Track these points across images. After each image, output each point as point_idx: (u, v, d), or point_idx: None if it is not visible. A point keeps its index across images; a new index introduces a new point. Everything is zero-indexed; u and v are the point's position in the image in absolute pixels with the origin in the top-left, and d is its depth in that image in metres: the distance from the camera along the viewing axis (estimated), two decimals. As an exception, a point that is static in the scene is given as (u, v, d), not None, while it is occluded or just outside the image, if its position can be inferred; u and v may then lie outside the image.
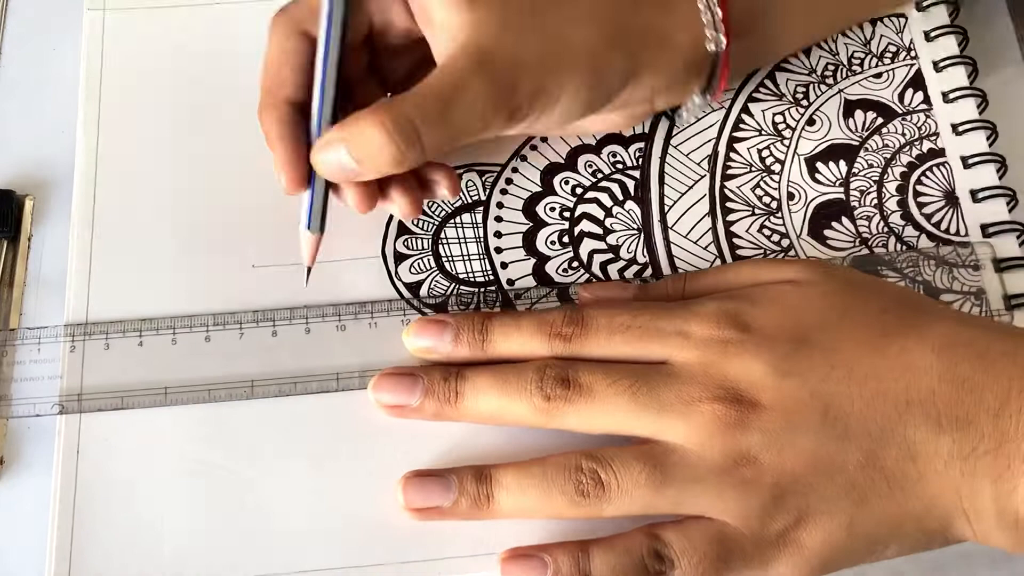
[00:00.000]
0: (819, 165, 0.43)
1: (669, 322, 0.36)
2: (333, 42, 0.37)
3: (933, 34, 0.45)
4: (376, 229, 0.42)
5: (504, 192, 0.43)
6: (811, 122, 0.44)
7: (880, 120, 0.44)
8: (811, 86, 0.44)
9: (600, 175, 0.43)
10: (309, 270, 0.40)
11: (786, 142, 0.43)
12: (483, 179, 0.43)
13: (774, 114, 0.44)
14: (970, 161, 0.43)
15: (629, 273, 0.42)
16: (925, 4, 0.45)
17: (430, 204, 0.43)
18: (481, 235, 0.42)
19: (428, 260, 0.42)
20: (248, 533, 0.38)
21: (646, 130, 0.44)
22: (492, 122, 0.36)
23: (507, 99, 0.35)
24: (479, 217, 0.43)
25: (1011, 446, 0.32)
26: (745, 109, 0.44)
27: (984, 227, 0.42)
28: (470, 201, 0.43)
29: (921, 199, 0.42)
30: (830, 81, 0.44)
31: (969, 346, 0.34)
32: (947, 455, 0.33)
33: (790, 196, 0.43)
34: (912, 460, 0.33)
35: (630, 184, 0.43)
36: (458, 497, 0.36)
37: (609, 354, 0.37)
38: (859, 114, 0.44)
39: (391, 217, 0.42)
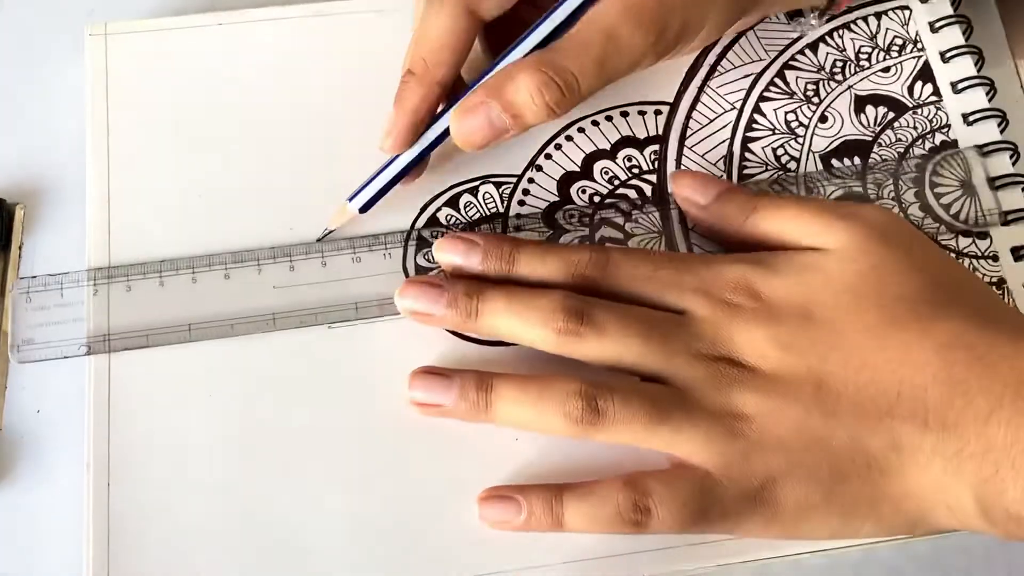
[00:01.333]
0: (834, 161, 0.43)
1: (690, 278, 0.38)
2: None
3: (937, 25, 0.45)
4: (396, 247, 0.42)
5: (522, 203, 0.43)
6: (823, 119, 0.44)
7: (891, 115, 0.44)
8: (820, 83, 0.45)
9: (617, 181, 0.43)
10: (328, 232, 0.42)
11: (800, 140, 0.44)
12: (500, 191, 0.43)
13: (786, 113, 0.44)
14: (983, 150, 0.43)
15: (652, 277, 0.41)
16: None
17: (448, 218, 0.43)
18: (501, 246, 0.42)
19: (450, 274, 0.42)
20: (279, 551, 0.37)
21: (659, 132, 0.44)
22: (640, 63, 0.38)
23: (656, 41, 0.37)
24: (498, 229, 0.42)
25: (998, 454, 0.33)
26: (757, 109, 0.44)
27: (1002, 215, 0.42)
28: (488, 214, 0.43)
29: (938, 190, 0.43)
30: (839, 77, 0.45)
31: (970, 349, 0.34)
32: (930, 452, 0.34)
33: (808, 192, 0.43)
34: (896, 451, 0.34)
35: (647, 188, 0.43)
36: (458, 399, 0.37)
37: (630, 298, 0.38)
38: (870, 109, 0.44)
39: (410, 233, 0.42)
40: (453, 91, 0.40)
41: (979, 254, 0.42)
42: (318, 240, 0.42)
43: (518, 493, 0.37)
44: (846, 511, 0.35)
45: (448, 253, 0.39)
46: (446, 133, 0.40)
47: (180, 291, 0.41)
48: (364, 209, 0.41)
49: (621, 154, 0.44)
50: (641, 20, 0.37)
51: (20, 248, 0.42)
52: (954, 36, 0.45)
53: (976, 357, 0.34)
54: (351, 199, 0.41)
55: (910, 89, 0.44)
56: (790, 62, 0.45)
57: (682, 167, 0.43)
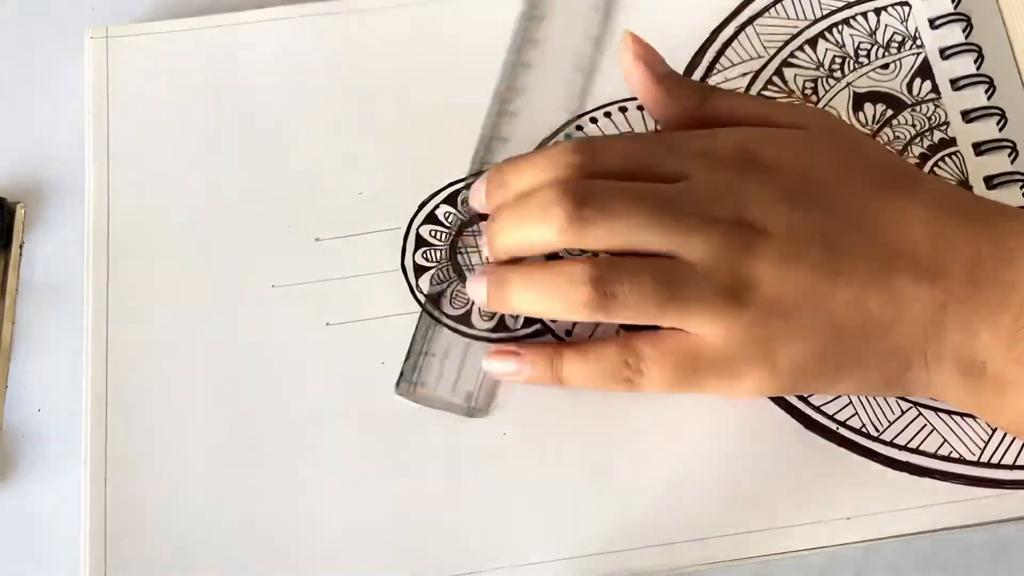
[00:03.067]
0: (833, 159, 0.43)
1: (687, 144, 0.38)
2: None
3: (937, 22, 0.45)
4: (395, 243, 0.42)
5: (520, 199, 0.43)
6: (822, 116, 0.44)
7: (890, 112, 0.44)
8: (819, 80, 0.45)
9: (615, 178, 0.43)
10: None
11: (798, 137, 0.44)
12: (498, 188, 0.43)
13: (785, 110, 0.44)
14: (982, 148, 0.43)
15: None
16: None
17: (446, 215, 0.43)
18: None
19: (447, 270, 0.42)
20: (275, 549, 0.38)
21: (658, 128, 0.44)
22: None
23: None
24: (496, 226, 0.43)
25: (978, 296, 0.35)
26: (755, 106, 0.44)
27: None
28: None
29: (936, 188, 0.43)
30: (838, 74, 0.45)
31: (956, 205, 0.37)
32: (923, 301, 0.35)
33: (806, 191, 0.43)
34: (893, 304, 0.35)
35: (645, 186, 0.43)
36: (480, 296, 0.38)
37: (629, 167, 0.37)
38: (868, 107, 0.44)
39: (408, 231, 0.42)
40: None
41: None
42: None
43: (522, 349, 0.39)
44: (835, 368, 0.36)
45: (474, 198, 0.40)
46: None
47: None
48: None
49: (620, 152, 0.44)
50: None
51: (20, 247, 0.43)
52: (954, 33, 0.45)
53: (960, 211, 0.36)
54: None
55: (909, 86, 0.44)
56: (789, 59, 0.45)
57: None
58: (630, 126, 0.44)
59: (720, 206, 0.36)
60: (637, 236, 0.36)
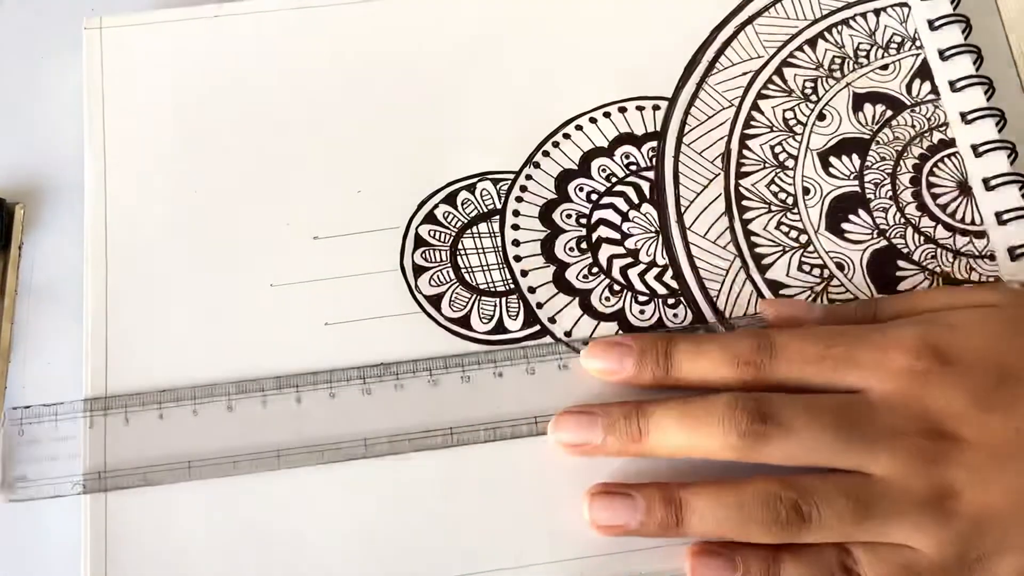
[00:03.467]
0: (832, 159, 0.43)
1: (865, 351, 0.35)
2: None
3: (937, 23, 0.45)
4: (394, 243, 0.42)
5: (519, 200, 0.43)
6: (821, 117, 0.44)
7: (889, 113, 0.44)
8: (819, 80, 0.45)
9: (615, 179, 0.43)
10: None
11: (798, 138, 0.44)
12: (497, 188, 0.43)
13: (784, 110, 0.44)
14: (980, 149, 0.43)
15: (650, 276, 0.42)
16: None
17: (446, 215, 0.43)
18: (499, 244, 0.42)
19: (448, 272, 0.42)
20: (277, 556, 0.38)
21: (657, 128, 0.44)
22: None
23: None
24: (496, 226, 0.43)
25: None
26: (755, 106, 0.44)
27: (999, 215, 0.42)
28: (486, 210, 0.43)
29: (935, 190, 0.43)
30: (837, 75, 0.45)
31: None
32: None
33: (805, 191, 0.43)
34: None
35: (645, 186, 0.43)
36: (645, 519, 0.35)
37: (800, 383, 0.36)
38: (868, 107, 0.44)
39: (408, 229, 0.42)
40: None
41: (976, 253, 0.42)
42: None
43: (734, 551, 0.35)
44: None
45: (599, 360, 0.38)
46: None
47: (181, 423, 0.39)
48: None
49: (619, 151, 0.44)
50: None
51: (20, 248, 0.43)
52: (953, 34, 0.45)
53: None
54: None
55: (908, 87, 0.44)
56: (788, 59, 0.45)
57: (680, 165, 0.43)
58: (629, 126, 0.44)
59: (901, 421, 0.34)
60: (816, 456, 0.34)
